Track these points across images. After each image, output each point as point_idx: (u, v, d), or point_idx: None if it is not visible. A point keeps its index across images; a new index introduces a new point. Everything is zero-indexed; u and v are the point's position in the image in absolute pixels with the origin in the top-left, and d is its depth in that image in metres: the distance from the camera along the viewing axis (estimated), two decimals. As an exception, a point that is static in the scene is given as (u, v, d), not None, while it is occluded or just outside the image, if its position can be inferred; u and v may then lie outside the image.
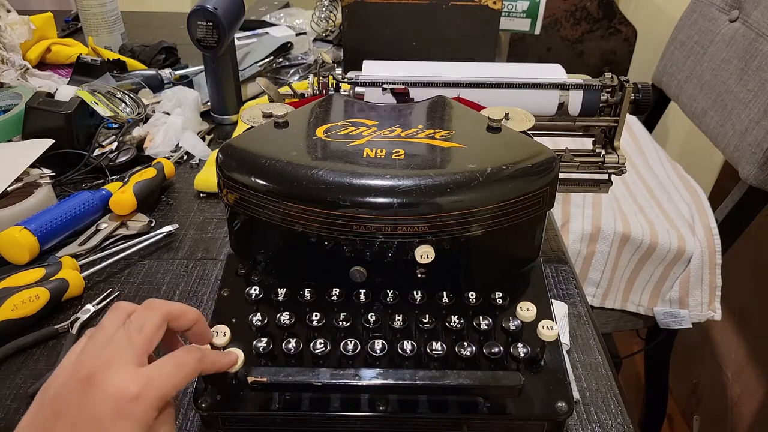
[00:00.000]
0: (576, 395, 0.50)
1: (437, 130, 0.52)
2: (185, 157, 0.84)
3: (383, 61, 0.71)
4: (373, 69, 0.67)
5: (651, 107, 0.63)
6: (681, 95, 1.18)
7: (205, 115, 0.94)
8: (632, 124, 1.35)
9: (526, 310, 0.47)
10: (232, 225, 0.53)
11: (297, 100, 0.65)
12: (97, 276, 0.63)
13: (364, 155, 0.48)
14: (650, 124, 1.35)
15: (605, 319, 1.08)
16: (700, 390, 1.30)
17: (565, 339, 0.55)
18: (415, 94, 0.62)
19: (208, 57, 0.89)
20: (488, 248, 0.50)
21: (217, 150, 0.51)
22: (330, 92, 0.64)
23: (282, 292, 0.48)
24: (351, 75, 0.66)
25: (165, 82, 1.01)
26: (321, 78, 0.64)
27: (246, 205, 0.49)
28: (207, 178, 0.77)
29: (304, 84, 0.92)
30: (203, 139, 0.89)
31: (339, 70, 0.65)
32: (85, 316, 0.58)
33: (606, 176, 0.66)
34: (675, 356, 1.16)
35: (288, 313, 0.47)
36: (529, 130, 0.56)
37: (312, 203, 0.46)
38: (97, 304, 0.59)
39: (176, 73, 1.02)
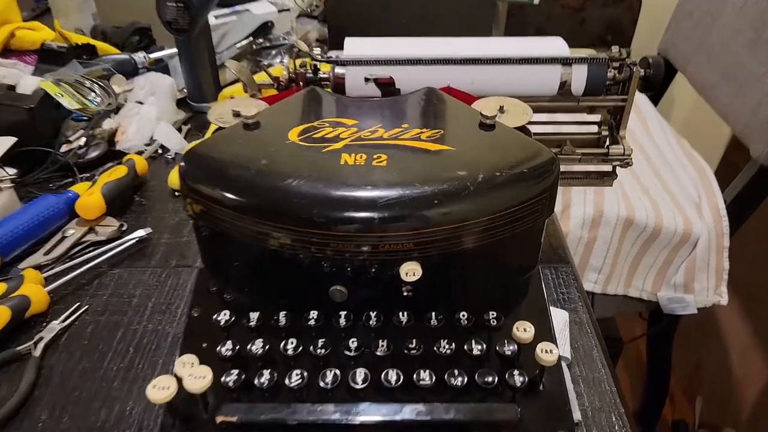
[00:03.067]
0: (577, 416, 0.46)
1: (424, 130, 0.47)
2: (160, 151, 0.79)
3: (367, 38, 0.65)
4: (355, 47, 0.61)
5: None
6: (689, 67, 1.12)
7: (181, 103, 0.89)
8: (636, 97, 1.29)
9: (523, 331, 0.43)
10: (200, 238, 0.48)
11: (274, 92, 0.59)
12: (63, 289, 0.58)
13: (342, 162, 0.43)
14: (655, 97, 1.29)
15: (607, 303, 1.05)
16: (703, 370, 1.27)
17: (566, 352, 0.51)
18: (402, 78, 0.57)
19: (180, 40, 0.82)
20: (481, 262, 0.45)
21: (183, 156, 0.46)
22: (308, 74, 0.58)
23: (255, 316, 0.44)
24: (331, 54, 0.60)
25: (139, 66, 0.95)
26: (297, 66, 0.58)
27: (212, 219, 0.44)
28: (182, 175, 0.72)
29: (281, 68, 0.87)
30: (179, 129, 0.83)
31: (317, 50, 0.59)
32: (50, 336, 0.53)
33: (610, 168, 0.61)
34: (678, 335, 1.13)
35: (261, 340, 0.43)
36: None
37: (284, 220, 0.41)
38: (63, 320, 0.55)
39: (151, 56, 0.96)
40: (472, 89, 0.57)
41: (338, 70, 0.58)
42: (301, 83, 0.58)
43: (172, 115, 0.84)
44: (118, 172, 0.69)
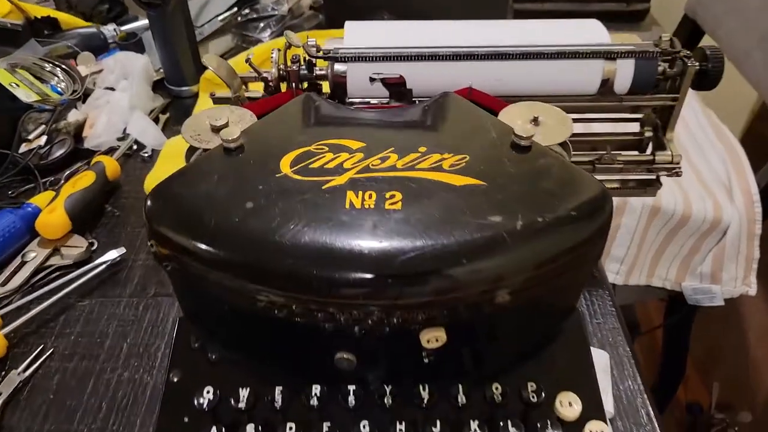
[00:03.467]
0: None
1: (445, 155, 0.38)
2: (135, 147, 0.70)
3: (370, 23, 0.55)
4: (357, 35, 0.51)
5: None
6: (719, 31, 1.02)
7: (159, 86, 0.79)
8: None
9: (568, 406, 0.36)
10: (174, 284, 0.40)
11: (260, 95, 0.50)
12: (25, 327, 0.51)
13: (347, 205, 0.35)
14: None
15: (627, 293, 0.98)
16: (720, 352, 1.22)
17: (608, 403, 0.44)
18: (414, 76, 0.47)
19: (153, 16, 0.72)
20: (516, 320, 0.38)
21: (150, 191, 0.38)
22: (302, 70, 0.49)
23: (245, 394, 0.36)
24: (329, 46, 0.51)
25: (109, 41, 0.84)
26: (288, 62, 0.49)
27: (186, 272, 0.36)
28: (159, 178, 0.62)
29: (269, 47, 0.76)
30: (156, 120, 0.73)
31: (312, 41, 0.49)
32: (9, 390, 0.46)
33: (653, 176, 0.52)
34: (696, 319, 1.07)
35: (253, 425, 0.35)
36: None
37: (275, 282, 0.33)
38: (25, 369, 0.47)
39: (122, 29, 0.85)
40: (497, 89, 0.48)
41: (338, 67, 0.48)
42: (293, 84, 0.48)
43: (148, 102, 0.74)
44: (85, 179, 0.60)
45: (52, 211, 0.56)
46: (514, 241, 0.33)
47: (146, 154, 0.69)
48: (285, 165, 0.38)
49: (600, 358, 0.46)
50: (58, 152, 0.67)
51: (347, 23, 0.53)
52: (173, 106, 0.77)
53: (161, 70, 0.78)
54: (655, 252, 0.92)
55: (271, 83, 0.49)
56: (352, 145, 0.39)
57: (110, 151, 0.68)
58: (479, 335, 0.37)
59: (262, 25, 0.81)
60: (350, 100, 0.49)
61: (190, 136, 0.42)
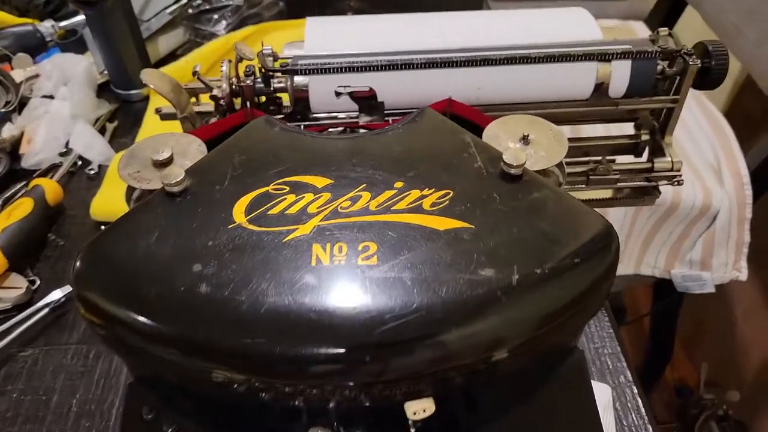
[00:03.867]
0: None
1: (425, 190, 0.33)
2: (79, 163, 0.63)
3: (333, 20, 0.49)
4: (319, 36, 0.45)
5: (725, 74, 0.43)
6: (704, 3, 0.97)
7: (104, 90, 0.71)
8: (635, 27, 1.14)
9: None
10: (116, 352, 0.35)
11: (211, 119, 0.44)
12: (-42, 386, 0.45)
13: (313, 261, 0.29)
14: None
15: (615, 281, 0.95)
16: (705, 330, 1.21)
17: (613, 445, 0.40)
18: (385, 87, 0.42)
19: (90, 15, 0.64)
20: (511, 374, 0.33)
21: (83, 251, 0.32)
22: (257, 83, 0.43)
23: (204, 485, 0.31)
24: (287, 52, 0.45)
25: (47, 39, 0.76)
26: (241, 75, 0.43)
27: (122, 345, 0.31)
28: (107, 202, 0.57)
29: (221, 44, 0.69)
30: (103, 130, 0.67)
31: (268, 49, 0.43)
32: (-59, 465, 0.41)
33: (652, 185, 0.48)
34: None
35: None
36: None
37: (230, 360, 0.28)
38: (-41, 438, 0.42)
39: (61, 25, 0.77)
40: (479, 98, 0.43)
41: (299, 79, 0.42)
42: (247, 102, 0.42)
43: (92, 109, 0.67)
44: (22, 208, 0.53)
45: (-17, 249, 0.49)
46: (510, 298, 0.28)
47: (92, 171, 0.62)
48: (239, 212, 0.32)
49: (601, 394, 0.42)
50: (-7, 173, 0.60)
51: (308, 21, 0.47)
52: (121, 113, 0.69)
53: (105, 72, 0.71)
54: (643, 240, 0.89)
55: (222, 101, 0.43)
56: (317, 183, 0.34)
57: (52, 169, 0.61)
58: (472, 397, 0.33)
59: (216, 16, 0.74)
60: (315, 115, 0.44)
61: (129, 174, 0.37)
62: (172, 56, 0.75)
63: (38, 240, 0.55)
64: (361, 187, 0.33)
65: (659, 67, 0.43)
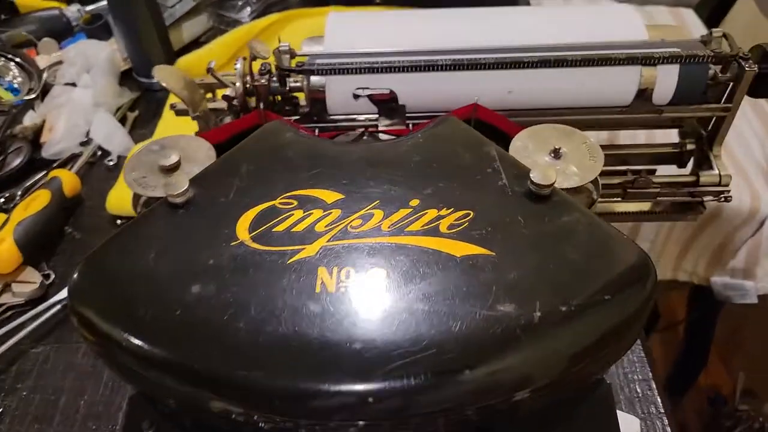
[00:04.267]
0: None
1: (443, 209, 0.30)
2: (99, 153, 0.62)
3: (357, 13, 0.47)
4: (339, 32, 0.43)
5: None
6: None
7: (127, 78, 0.70)
8: (685, 15, 1.07)
9: None
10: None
11: (225, 117, 0.42)
12: (-30, 382, 0.45)
13: (317, 288, 0.27)
14: (714, 16, 1.08)
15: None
16: (743, 337, 1.15)
17: (640, 481, 0.38)
18: (407, 90, 0.39)
19: (114, 3, 0.63)
20: (531, 411, 0.31)
21: (81, 263, 0.30)
22: (273, 83, 0.41)
23: None
24: (306, 48, 0.43)
25: (73, 24, 0.75)
26: (256, 73, 0.40)
27: (117, 367, 0.29)
28: (123, 196, 0.56)
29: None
30: (123, 120, 0.65)
31: (285, 46, 0.41)
32: (-50, 463, 0.40)
33: (697, 200, 0.44)
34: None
35: None
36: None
37: (227, 392, 0.26)
38: (-32, 437, 0.42)
39: (87, 9, 0.76)
40: (508, 102, 0.40)
41: (316, 80, 0.40)
42: (261, 103, 0.40)
43: (114, 98, 0.66)
44: (39, 200, 0.52)
45: (1, 241, 0.49)
46: (530, 338, 0.26)
47: (111, 162, 0.61)
48: (243, 228, 0.30)
49: (629, 427, 0.39)
50: (14, 162, 0.59)
51: (330, 16, 0.45)
52: (143, 101, 0.68)
53: (129, 59, 0.69)
54: (683, 244, 0.84)
55: (235, 100, 0.40)
56: (327, 198, 0.31)
57: (72, 159, 0.61)
58: (487, 435, 0.30)
59: (240, 3, 0.71)
60: (332, 117, 0.41)
61: (134, 180, 0.35)
62: (195, 43, 0.73)
63: (55, 233, 0.54)
64: (374, 203, 0.31)
65: (710, 72, 0.40)
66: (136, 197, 0.36)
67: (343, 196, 0.31)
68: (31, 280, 0.49)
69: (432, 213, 0.30)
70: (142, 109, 0.67)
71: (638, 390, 0.42)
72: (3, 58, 0.65)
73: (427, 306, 0.26)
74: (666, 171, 0.44)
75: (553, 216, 0.30)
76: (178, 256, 0.29)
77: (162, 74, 0.40)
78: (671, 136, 0.46)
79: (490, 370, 0.26)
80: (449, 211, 0.30)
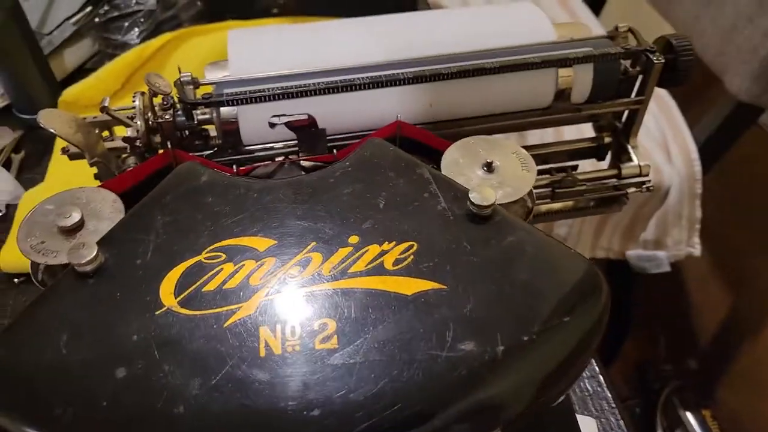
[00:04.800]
0: None
1: (385, 245, 0.28)
2: (-17, 205, 0.55)
3: (258, 30, 0.44)
4: (244, 52, 0.40)
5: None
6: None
7: (6, 115, 0.63)
8: (572, 3, 1.12)
9: None
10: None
11: (127, 157, 0.38)
12: None
13: (262, 351, 0.25)
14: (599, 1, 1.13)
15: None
16: (660, 302, 1.23)
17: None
18: (325, 113, 0.37)
19: (-23, 34, 0.56)
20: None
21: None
22: (178, 116, 0.37)
23: None
24: (210, 75, 0.39)
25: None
26: (158, 108, 0.37)
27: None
28: (19, 252, 0.49)
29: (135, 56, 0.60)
30: (8, 163, 0.59)
31: (186, 77, 0.38)
32: None
33: (621, 192, 0.45)
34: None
35: None
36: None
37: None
38: None
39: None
40: (429, 115, 0.39)
41: (226, 110, 0.37)
42: (168, 142, 0.37)
43: (-7, 140, 0.59)
44: None
45: None
46: (497, 375, 0.25)
47: (0, 213, 0.54)
48: (167, 292, 0.27)
49: (587, 429, 0.40)
50: None
51: (230, 36, 0.41)
52: (28, 140, 0.61)
53: (5, 96, 0.62)
54: (597, 224, 0.87)
55: (138, 141, 0.37)
56: (259, 246, 0.29)
57: (-49, 214, 0.54)
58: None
59: (127, 24, 0.66)
60: (248, 147, 0.38)
61: (31, 247, 0.31)
62: (80, 71, 0.67)
63: (-61, 304, 0.48)
64: (310, 246, 0.28)
65: (621, 68, 0.40)
66: (35, 266, 0.32)
67: (276, 242, 0.29)
68: None
69: (374, 249, 0.28)
70: (28, 149, 0.60)
71: (588, 387, 0.42)
72: None
73: (383, 355, 0.25)
74: (586, 167, 0.45)
75: (498, 237, 0.29)
76: (95, 337, 0.25)
77: (48, 120, 0.36)
78: (581, 130, 0.47)
79: (459, 415, 0.24)
80: (392, 245, 0.28)
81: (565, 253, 0.29)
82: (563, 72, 0.39)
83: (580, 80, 0.39)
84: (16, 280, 0.49)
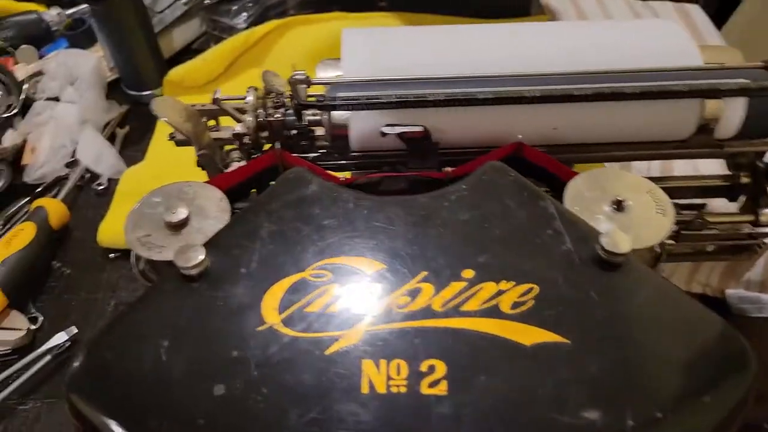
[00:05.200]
0: None
1: (502, 284, 0.26)
2: (87, 176, 0.57)
3: (373, 31, 0.42)
4: (359, 53, 0.38)
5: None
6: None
7: (114, 90, 0.65)
8: (691, 12, 1.04)
9: None
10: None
11: (232, 152, 0.37)
12: (-50, 449, 0.40)
13: (364, 387, 0.23)
14: (722, 15, 1.04)
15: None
16: (757, 346, 1.14)
17: None
18: (440, 125, 0.35)
19: (97, 11, 0.57)
20: None
21: (85, 348, 0.26)
22: (288, 117, 0.36)
23: None
24: (322, 73, 0.38)
25: (53, 29, 0.69)
26: (268, 107, 0.36)
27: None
28: (116, 227, 0.51)
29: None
30: (112, 137, 0.60)
31: (301, 75, 0.36)
32: None
33: (754, 242, 0.40)
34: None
35: None
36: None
37: None
38: None
39: (68, 13, 0.70)
40: (552, 138, 0.36)
41: (337, 114, 0.35)
42: (276, 141, 0.35)
43: (101, 113, 0.60)
44: (22, 236, 0.47)
45: (-21, 287, 0.44)
46: (621, 451, 0.22)
47: (101, 187, 0.56)
48: (270, 308, 0.26)
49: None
50: (-7, 187, 0.54)
51: (345, 34, 0.40)
52: (133, 115, 0.63)
53: (115, 68, 0.64)
54: (698, 256, 0.81)
55: (247, 137, 0.36)
56: (367, 268, 0.27)
57: (56, 183, 0.55)
58: None
59: (235, 8, 0.66)
60: (354, 153, 0.37)
61: (138, 239, 0.30)
62: (187, 50, 0.68)
63: (41, 270, 0.49)
64: (422, 276, 0.27)
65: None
66: (137, 255, 0.32)
67: (385, 266, 0.27)
68: (17, 327, 0.45)
69: (490, 287, 0.26)
70: (133, 124, 0.62)
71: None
72: (-23, 71, 0.59)
73: (496, 411, 0.23)
74: (718, 206, 0.41)
75: (630, 290, 0.26)
76: (196, 347, 0.25)
77: (161, 108, 0.35)
78: (696, 164, 0.43)
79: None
80: (510, 285, 0.26)
81: (706, 317, 0.26)
82: (711, 104, 0.35)
83: (730, 114, 0.35)
84: (111, 255, 0.50)
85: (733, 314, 0.86)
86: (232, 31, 0.66)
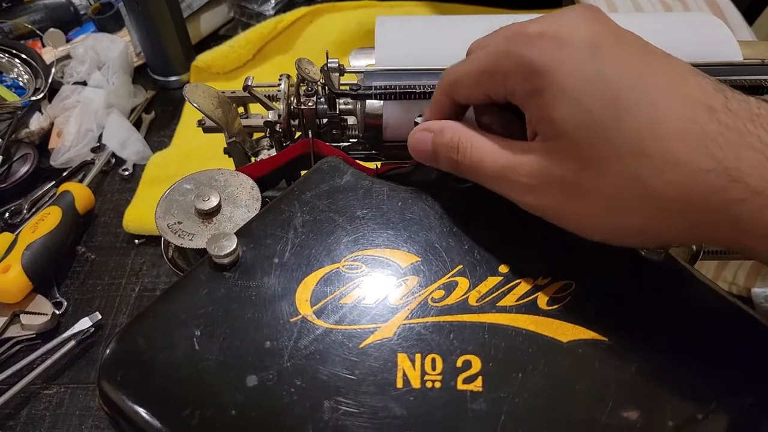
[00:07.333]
0: None
1: (539, 280, 0.26)
2: (113, 161, 0.57)
3: (408, 20, 0.41)
4: (393, 42, 0.38)
5: None
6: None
7: (141, 74, 0.65)
8: (721, 4, 1.01)
9: None
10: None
11: (262, 140, 0.37)
12: (-23, 429, 0.40)
13: (399, 381, 0.23)
14: (754, 10, 1.01)
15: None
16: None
17: None
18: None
19: (126, -6, 0.57)
20: None
21: (116, 336, 0.26)
22: (320, 104, 0.36)
23: None
24: (355, 62, 0.37)
25: (81, 13, 0.70)
26: (301, 95, 0.35)
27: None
28: (141, 213, 0.51)
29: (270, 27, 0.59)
30: (138, 122, 0.60)
31: (333, 63, 0.36)
32: None
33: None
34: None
35: None
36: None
37: None
38: (-23, 493, 0.38)
39: (96, -2, 0.70)
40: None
41: (371, 104, 0.35)
42: (309, 131, 0.35)
43: (128, 98, 0.60)
44: (49, 220, 0.48)
45: (6, 269, 0.44)
46: (663, 454, 0.21)
47: (126, 172, 0.56)
48: (303, 299, 0.25)
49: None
50: (20, 171, 0.54)
51: (378, 22, 0.39)
52: (159, 101, 0.63)
53: (142, 54, 0.64)
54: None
55: (278, 125, 0.35)
56: (402, 261, 0.27)
57: (82, 167, 0.56)
58: None
59: (263, -6, 0.65)
60: (386, 144, 0.36)
61: (169, 226, 0.30)
62: (214, 36, 0.68)
63: (66, 254, 0.49)
64: (457, 269, 0.26)
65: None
66: (167, 242, 0.31)
67: (420, 258, 0.27)
68: (42, 311, 0.45)
69: (527, 283, 0.26)
70: (159, 110, 0.62)
71: None
72: (7, 54, 0.59)
73: (533, 409, 0.22)
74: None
75: (671, 289, 0.25)
76: (228, 336, 0.24)
77: (192, 95, 0.35)
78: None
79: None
80: (546, 280, 0.26)
81: (749, 319, 0.25)
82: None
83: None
84: (136, 241, 0.51)
85: (759, 313, 0.85)
86: (259, 17, 0.65)
